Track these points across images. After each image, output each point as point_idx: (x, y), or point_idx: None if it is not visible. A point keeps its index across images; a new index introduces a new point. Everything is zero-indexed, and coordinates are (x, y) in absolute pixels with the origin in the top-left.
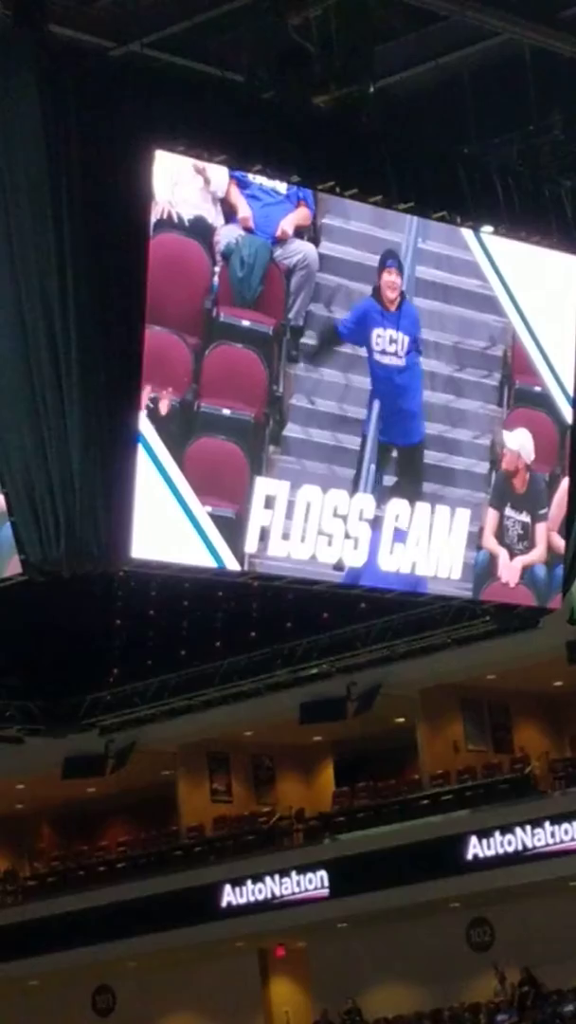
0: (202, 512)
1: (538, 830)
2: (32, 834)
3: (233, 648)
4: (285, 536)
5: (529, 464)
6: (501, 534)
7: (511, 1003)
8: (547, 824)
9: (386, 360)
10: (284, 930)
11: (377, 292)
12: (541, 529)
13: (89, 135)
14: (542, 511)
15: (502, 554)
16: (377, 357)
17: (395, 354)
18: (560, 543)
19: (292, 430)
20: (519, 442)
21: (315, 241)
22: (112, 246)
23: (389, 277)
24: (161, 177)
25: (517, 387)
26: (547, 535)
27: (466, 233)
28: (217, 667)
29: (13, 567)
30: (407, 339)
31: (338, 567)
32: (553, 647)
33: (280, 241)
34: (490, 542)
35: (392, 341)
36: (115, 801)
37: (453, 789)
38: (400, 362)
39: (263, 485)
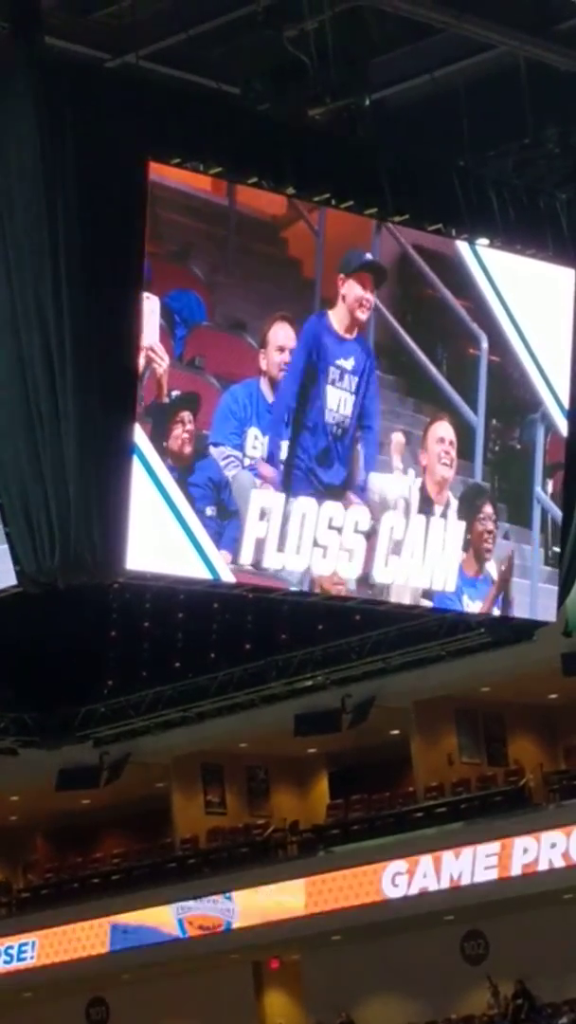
0: (197, 523)
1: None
2: (26, 846)
3: (228, 660)
4: (280, 548)
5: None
6: (492, 547)
7: (505, 1016)
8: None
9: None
10: (278, 942)
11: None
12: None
13: (84, 147)
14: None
15: (496, 566)
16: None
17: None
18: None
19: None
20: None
21: None
22: (107, 257)
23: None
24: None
25: None
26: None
27: (461, 245)
28: (212, 679)
29: (7, 578)
30: None
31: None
32: (548, 659)
33: None
34: (483, 554)
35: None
36: (109, 813)
37: (447, 801)
38: None
39: (258, 497)
